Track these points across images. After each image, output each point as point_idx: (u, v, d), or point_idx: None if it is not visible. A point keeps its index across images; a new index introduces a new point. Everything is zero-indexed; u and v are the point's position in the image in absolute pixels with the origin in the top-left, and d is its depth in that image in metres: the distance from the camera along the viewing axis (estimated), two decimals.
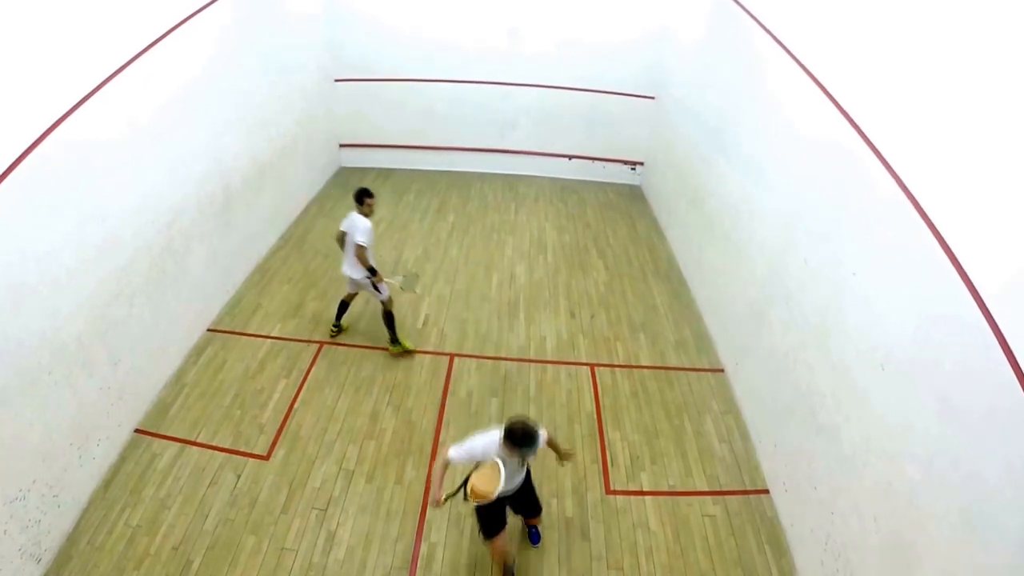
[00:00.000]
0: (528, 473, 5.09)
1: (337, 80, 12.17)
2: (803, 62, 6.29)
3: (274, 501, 5.98)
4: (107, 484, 6.04)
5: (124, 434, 6.44)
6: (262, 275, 9.30)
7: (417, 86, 12.22)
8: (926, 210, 4.33)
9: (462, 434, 6.45)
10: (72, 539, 5.56)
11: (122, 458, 6.29)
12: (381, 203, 11.50)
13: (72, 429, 5.65)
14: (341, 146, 12.97)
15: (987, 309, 3.72)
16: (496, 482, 4.41)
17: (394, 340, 7.81)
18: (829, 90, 5.77)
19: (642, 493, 6.23)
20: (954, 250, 4.04)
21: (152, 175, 6.60)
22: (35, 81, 5.00)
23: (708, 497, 6.23)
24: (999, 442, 3.55)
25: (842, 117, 5.47)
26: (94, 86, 5.61)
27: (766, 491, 6.31)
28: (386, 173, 12.92)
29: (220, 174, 8.10)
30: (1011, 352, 3.51)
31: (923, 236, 4.28)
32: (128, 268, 6.31)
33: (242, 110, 8.57)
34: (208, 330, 8.06)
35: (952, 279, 3.98)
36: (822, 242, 5.70)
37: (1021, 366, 3.45)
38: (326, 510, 5.93)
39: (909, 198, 4.49)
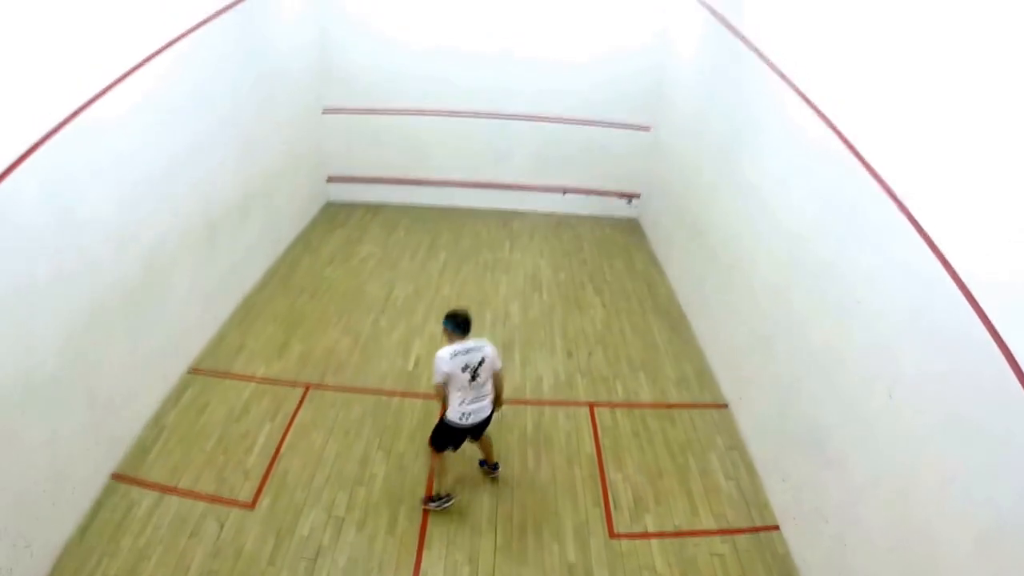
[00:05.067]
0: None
1: (326, 111, 12.02)
2: (800, 88, 6.23)
3: (260, 552, 5.64)
4: (83, 532, 5.68)
5: (100, 479, 6.11)
6: (246, 313, 9.02)
7: (409, 119, 12.11)
8: (932, 235, 4.25)
9: (456, 481, 6.29)
10: None
11: (98, 504, 5.94)
12: (370, 240, 11.44)
13: (45, 473, 5.32)
14: (329, 179, 12.73)
15: (996, 332, 3.63)
16: None
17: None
18: (829, 117, 5.69)
19: (647, 535, 5.97)
20: (960, 274, 3.96)
21: (131, 202, 6.30)
22: (15, 99, 4.76)
23: (716, 536, 5.98)
24: (1012, 466, 3.45)
25: (842, 144, 5.39)
26: (75, 108, 5.36)
27: (776, 527, 6.08)
28: (375, 209, 12.69)
29: (204, 204, 7.82)
30: (1022, 373, 3.40)
31: (929, 261, 4.20)
32: (105, 302, 5.99)
33: (228, 138, 8.32)
34: (190, 371, 7.76)
35: (960, 303, 3.89)
36: (827, 270, 5.57)
37: None
38: (315, 560, 5.60)
39: (913, 224, 4.42)
